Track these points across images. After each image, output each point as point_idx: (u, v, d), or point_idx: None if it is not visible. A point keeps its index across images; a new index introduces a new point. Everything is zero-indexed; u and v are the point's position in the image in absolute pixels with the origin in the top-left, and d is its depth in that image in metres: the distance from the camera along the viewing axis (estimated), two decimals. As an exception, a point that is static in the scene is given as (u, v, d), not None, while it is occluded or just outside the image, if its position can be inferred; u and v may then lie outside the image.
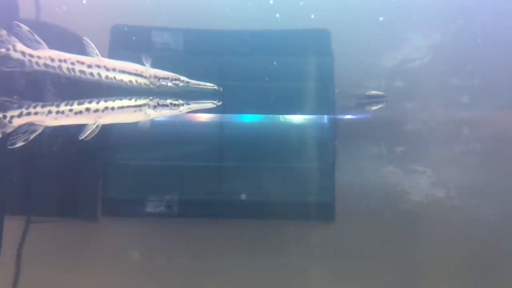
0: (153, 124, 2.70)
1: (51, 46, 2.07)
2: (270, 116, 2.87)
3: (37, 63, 2.02)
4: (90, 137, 2.05)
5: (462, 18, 2.50)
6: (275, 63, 2.63)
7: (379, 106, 2.60)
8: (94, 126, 2.04)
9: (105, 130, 2.10)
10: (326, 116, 2.82)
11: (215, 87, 2.18)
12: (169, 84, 2.15)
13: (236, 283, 2.70)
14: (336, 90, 2.63)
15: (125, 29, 2.52)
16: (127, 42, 2.53)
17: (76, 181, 2.67)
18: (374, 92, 2.59)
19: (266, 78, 2.64)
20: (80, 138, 2.03)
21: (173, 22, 2.55)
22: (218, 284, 2.69)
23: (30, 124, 2.03)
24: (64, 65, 2.04)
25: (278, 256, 2.68)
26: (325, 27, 2.60)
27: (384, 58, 2.60)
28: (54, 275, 2.64)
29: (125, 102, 2.09)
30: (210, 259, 2.69)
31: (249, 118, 2.86)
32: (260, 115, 2.83)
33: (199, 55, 2.65)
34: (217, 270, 2.68)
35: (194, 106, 2.17)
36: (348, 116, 2.68)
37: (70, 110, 2.04)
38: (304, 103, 2.75)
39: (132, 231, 2.71)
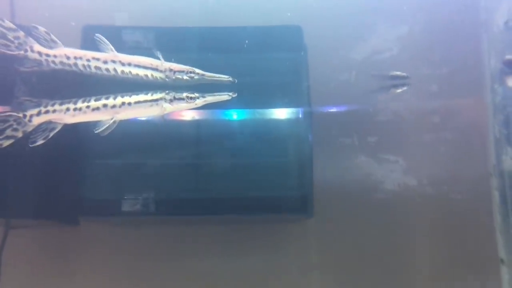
0: (132, 123, 2.81)
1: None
2: (246, 111, 2.92)
3: (53, 62, 2.05)
4: (106, 132, 2.07)
5: (430, 8, 2.54)
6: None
7: (404, 88, 2.57)
8: (111, 122, 2.06)
9: (83, 129, 2.12)
10: (300, 109, 2.87)
11: (230, 78, 2.21)
12: (185, 77, 2.17)
13: (219, 281, 2.71)
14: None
15: (96, 28, 2.51)
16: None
17: (55, 183, 2.68)
18: (397, 72, 2.54)
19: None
20: (96, 132, 2.05)
21: (145, 20, 2.58)
22: (204, 283, 2.71)
23: (49, 122, 2.06)
24: (79, 62, 2.06)
25: (259, 252, 2.71)
26: (296, 22, 2.64)
27: (354, 50, 2.64)
28: (36, 280, 2.65)
29: (142, 97, 2.10)
30: (194, 258, 2.72)
31: (225, 114, 2.90)
32: (235, 110, 2.88)
33: (170, 53, 2.68)
34: (201, 268, 2.70)
35: (209, 98, 2.19)
36: (321, 109, 2.71)
37: (88, 107, 2.06)
38: (277, 98, 2.78)
39: (113, 233, 2.73)
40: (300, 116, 2.86)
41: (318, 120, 2.70)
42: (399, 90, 2.58)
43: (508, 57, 2.26)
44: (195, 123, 2.89)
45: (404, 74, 2.53)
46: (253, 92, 2.88)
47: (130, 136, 2.86)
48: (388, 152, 2.64)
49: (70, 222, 2.65)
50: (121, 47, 2.49)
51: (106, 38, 2.26)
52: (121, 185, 2.71)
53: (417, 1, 2.57)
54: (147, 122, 2.88)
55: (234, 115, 2.91)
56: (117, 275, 2.68)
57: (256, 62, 2.73)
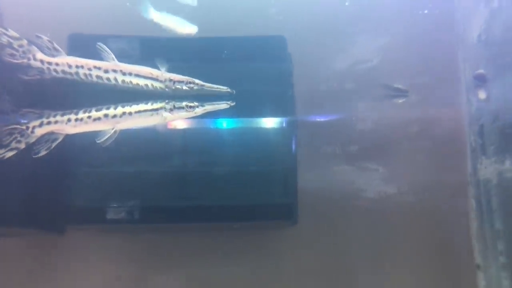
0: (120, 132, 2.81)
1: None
2: (231, 120, 2.96)
3: (55, 70, 2.06)
4: (108, 142, 2.09)
5: (408, 21, 2.62)
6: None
7: (403, 99, 2.67)
8: (112, 132, 2.09)
9: (73, 138, 2.13)
10: (284, 118, 2.92)
11: (229, 89, 2.26)
12: (184, 87, 2.20)
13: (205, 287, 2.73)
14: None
15: (82, 37, 2.51)
16: (84, 50, 2.56)
17: (41, 191, 2.65)
18: (399, 86, 2.66)
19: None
20: (98, 142, 2.08)
21: (130, 30, 2.61)
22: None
23: (51, 133, 2.07)
24: (81, 71, 2.07)
25: (245, 259, 2.74)
26: (280, 33, 2.70)
27: (336, 61, 2.70)
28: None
29: (142, 106, 2.12)
30: (180, 265, 2.73)
31: (210, 123, 2.93)
32: (221, 119, 2.91)
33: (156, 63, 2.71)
34: (187, 275, 2.72)
35: (208, 107, 2.22)
36: (304, 118, 2.76)
37: (89, 117, 2.08)
38: (262, 107, 2.82)
39: (100, 240, 2.74)
40: (284, 125, 2.92)
41: (301, 129, 2.77)
42: (400, 101, 2.68)
43: (478, 71, 2.35)
44: (180, 132, 2.92)
45: (405, 87, 2.66)
46: (238, 101, 2.94)
47: (117, 144, 2.89)
48: (369, 160, 2.71)
49: (56, 230, 2.64)
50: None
51: (92, 47, 2.30)
52: (108, 193, 2.69)
53: (396, 14, 2.65)
54: (134, 132, 2.93)
55: (220, 124, 2.96)
56: (104, 282, 2.68)
57: (241, 71, 2.77)
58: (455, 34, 2.63)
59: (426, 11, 2.57)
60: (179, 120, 2.86)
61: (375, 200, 2.70)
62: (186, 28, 2.45)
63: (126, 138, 2.78)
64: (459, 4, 2.58)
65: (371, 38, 2.66)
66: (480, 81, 2.29)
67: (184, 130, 2.88)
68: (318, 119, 2.75)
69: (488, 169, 2.43)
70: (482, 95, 2.33)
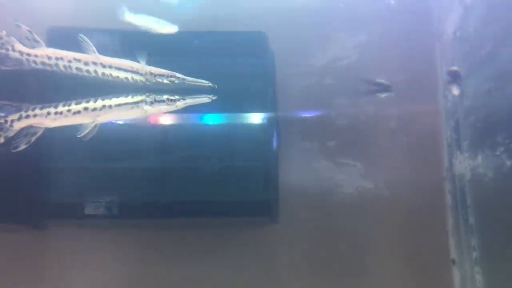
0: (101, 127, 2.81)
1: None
2: (212, 116, 2.97)
3: (34, 61, 2.03)
4: (89, 136, 2.06)
5: (386, 18, 2.65)
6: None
7: (387, 94, 2.67)
8: (93, 125, 2.06)
9: (52, 133, 2.11)
10: (264, 114, 2.93)
11: (210, 84, 2.23)
12: (165, 81, 2.18)
13: (184, 284, 2.72)
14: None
15: (61, 30, 2.50)
16: (63, 44, 2.57)
17: (20, 187, 2.60)
18: (382, 81, 2.66)
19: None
20: (78, 137, 2.05)
21: (111, 23, 2.62)
22: (169, 286, 2.71)
23: (30, 126, 2.04)
24: (61, 63, 2.05)
25: (225, 256, 2.74)
26: (261, 29, 2.72)
27: (315, 57, 2.72)
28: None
29: (122, 99, 2.09)
30: (159, 261, 2.72)
31: (190, 119, 2.94)
32: (201, 115, 2.92)
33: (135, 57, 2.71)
34: (167, 271, 2.71)
35: (189, 101, 2.18)
36: (282, 114, 2.78)
37: (69, 111, 2.05)
38: (242, 103, 2.83)
39: (79, 236, 2.72)
40: (265, 120, 2.94)
41: (280, 125, 2.78)
42: (383, 95, 2.68)
43: (451, 68, 2.38)
44: (161, 128, 2.92)
45: (388, 82, 2.65)
46: (219, 97, 2.94)
47: (97, 140, 2.89)
48: (347, 156, 2.73)
49: (36, 225, 2.64)
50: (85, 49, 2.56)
51: (71, 40, 2.30)
52: (90, 188, 2.69)
53: (373, 11, 2.67)
54: (114, 127, 2.93)
55: (200, 119, 2.97)
56: (84, 278, 2.68)
57: (221, 67, 2.79)
58: (432, 30, 2.65)
59: (392, 2, 2.60)
60: (159, 115, 2.89)
61: (354, 196, 2.71)
62: (165, 28, 2.45)
63: (108, 133, 2.82)
64: (436, 1, 2.61)
65: (349, 35, 2.68)
66: (453, 77, 2.32)
67: (164, 126, 2.89)
68: (296, 115, 2.77)
69: (462, 164, 2.45)
70: (455, 91, 2.36)
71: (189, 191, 2.77)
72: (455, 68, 2.31)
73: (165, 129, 2.91)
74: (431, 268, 2.64)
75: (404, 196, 2.68)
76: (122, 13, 2.37)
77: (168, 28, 2.45)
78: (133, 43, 2.69)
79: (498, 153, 2.02)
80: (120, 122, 2.83)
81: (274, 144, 2.83)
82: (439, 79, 2.63)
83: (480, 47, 2.13)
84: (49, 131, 2.09)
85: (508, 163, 1.91)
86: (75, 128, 2.71)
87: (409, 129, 2.71)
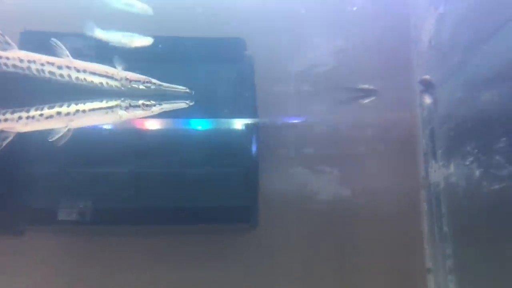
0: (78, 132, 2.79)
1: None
2: (191, 121, 2.96)
3: (6, 64, 2.00)
4: (62, 141, 2.03)
5: (363, 25, 2.65)
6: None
7: (371, 99, 2.66)
8: (66, 130, 2.03)
9: (29, 138, 2.10)
10: (243, 120, 2.93)
11: (187, 90, 2.22)
12: (141, 86, 2.16)
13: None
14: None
15: (34, 34, 2.45)
16: (37, 48, 2.54)
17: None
18: (365, 86, 2.65)
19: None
20: (50, 141, 2.02)
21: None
22: None
23: (1, 131, 2.00)
24: (33, 66, 2.01)
25: (205, 261, 2.71)
26: (239, 35, 2.71)
27: (292, 64, 2.72)
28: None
29: (97, 104, 2.06)
30: (138, 267, 2.69)
31: (169, 124, 2.93)
32: (179, 120, 2.91)
33: (110, 61, 2.70)
34: (146, 277, 2.68)
35: (166, 106, 2.17)
36: (260, 120, 2.77)
37: (41, 115, 2.01)
38: (221, 108, 2.82)
39: (54, 241, 2.70)
40: (245, 126, 2.93)
41: (259, 131, 2.77)
42: (366, 101, 2.68)
43: (424, 76, 2.38)
44: (140, 133, 2.89)
45: (372, 87, 2.65)
46: (198, 103, 2.93)
47: (76, 145, 2.87)
48: (325, 163, 2.72)
49: (13, 231, 2.59)
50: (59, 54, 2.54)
51: (44, 44, 2.28)
52: (63, 194, 2.63)
53: (350, 19, 2.67)
54: (89, 131, 2.91)
55: (179, 125, 2.96)
56: (58, 283, 2.64)
57: (200, 73, 2.78)
58: (409, 38, 2.66)
59: (354, 8, 2.61)
60: (138, 120, 2.87)
61: (330, 203, 2.70)
62: (138, 41, 2.42)
63: (84, 138, 2.80)
64: (413, 9, 2.61)
65: (327, 42, 2.69)
66: (425, 86, 2.33)
67: (144, 131, 2.87)
68: (274, 121, 2.76)
69: (437, 173, 2.45)
70: (428, 100, 2.36)
71: (168, 197, 2.74)
72: (427, 76, 2.31)
73: (145, 134, 2.90)
74: (406, 277, 2.64)
75: (380, 203, 2.68)
76: (90, 29, 2.32)
77: (141, 41, 2.41)
78: (110, 48, 2.70)
79: (467, 162, 2.02)
80: (97, 127, 2.84)
81: (254, 150, 2.83)
82: (415, 87, 2.63)
83: (452, 56, 2.14)
84: (23, 135, 2.08)
85: (477, 173, 1.91)
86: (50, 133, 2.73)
87: (386, 137, 2.71)
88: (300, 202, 2.72)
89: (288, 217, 2.73)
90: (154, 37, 2.61)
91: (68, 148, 2.68)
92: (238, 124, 2.89)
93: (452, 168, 2.24)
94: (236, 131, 2.89)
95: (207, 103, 2.81)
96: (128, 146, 2.83)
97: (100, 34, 2.34)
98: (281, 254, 2.73)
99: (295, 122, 2.73)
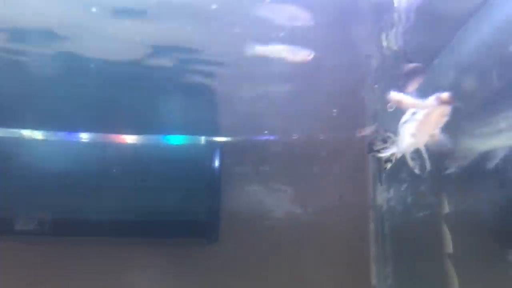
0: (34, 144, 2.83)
1: None
2: (153, 137, 3.02)
3: None
4: None
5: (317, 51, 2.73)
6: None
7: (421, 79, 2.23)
8: None
9: None
10: (204, 138, 3.00)
11: None
12: None
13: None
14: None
15: None
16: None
17: None
18: (411, 65, 2.16)
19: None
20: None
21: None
22: None
23: None
24: None
25: (163, 275, 2.77)
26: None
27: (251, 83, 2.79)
28: None
29: None
30: (98, 278, 2.74)
31: (132, 140, 2.98)
32: (143, 136, 2.97)
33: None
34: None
35: None
36: (225, 138, 2.86)
37: None
38: (184, 126, 2.90)
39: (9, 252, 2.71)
40: (205, 144, 3.00)
41: (221, 149, 2.86)
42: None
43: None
44: (101, 146, 2.94)
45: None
46: (162, 120, 2.99)
47: (37, 157, 2.90)
48: (279, 181, 2.83)
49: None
50: None
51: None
52: (21, 205, 2.69)
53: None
54: (50, 143, 2.94)
55: (143, 140, 3.01)
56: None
57: (166, 92, 2.84)
58: (360, 66, 2.75)
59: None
60: (102, 135, 2.92)
61: (283, 220, 2.80)
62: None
63: (42, 150, 2.82)
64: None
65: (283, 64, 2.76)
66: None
67: (107, 145, 2.94)
68: (232, 140, 2.85)
69: (381, 195, 2.57)
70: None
71: (130, 211, 2.79)
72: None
73: (106, 148, 2.94)
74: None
75: (331, 222, 2.78)
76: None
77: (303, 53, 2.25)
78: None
79: (403, 188, 2.14)
80: (54, 139, 2.87)
81: (214, 167, 2.90)
82: (366, 112, 2.73)
83: (393, 85, 2.23)
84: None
85: (409, 200, 2.03)
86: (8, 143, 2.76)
87: (339, 157, 2.81)
88: (255, 219, 2.81)
89: (244, 233, 2.81)
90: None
91: (30, 160, 2.75)
92: (199, 141, 2.98)
93: (392, 192, 2.36)
94: (198, 148, 2.97)
95: (171, 121, 2.89)
96: (90, 160, 2.89)
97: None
98: (236, 268, 2.81)
99: (253, 140, 2.83)
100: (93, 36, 2.16)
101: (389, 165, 2.36)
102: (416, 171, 1.64)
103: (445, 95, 1.31)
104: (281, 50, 2.17)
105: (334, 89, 2.74)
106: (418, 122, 1.40)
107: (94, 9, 1.93)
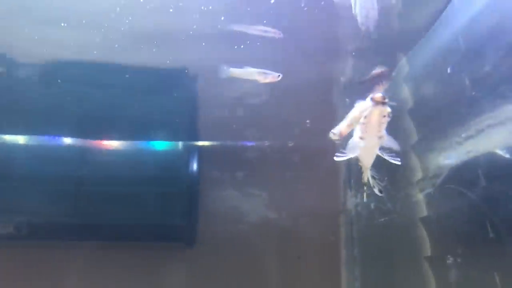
0: (14, 147, 2.86)
1: None
2: (134, 143, 3.06)
3: None
4: None
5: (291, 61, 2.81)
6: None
7: (387, 83, 2.49)
8: None
9: None
10: (182, 143, 3.05)
11: None
12: None
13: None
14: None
15: None
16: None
17: None
18: (377, 71, 2.47)
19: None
20: None
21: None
22: None
23: None
24: None
25: (143, 276, 2.82)
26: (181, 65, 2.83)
27: (228, 91, 2.86)
28: None
29: None
30: (74, 282, 2.77)
31: (111, 145, 3.01)
32: (122, 141, 3.01)
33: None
34: None
35: None
36: (195, 143, 2.92)
37: None
38: (162, 132, 2.96)
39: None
40: (182, 149, 3.05)
41: (199, 154, 2.91)
42: (383, 87, 2.43)
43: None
44: (81, 150, 2.95)
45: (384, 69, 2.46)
46: (141, 126, 3.04)
47: (12, 160, 2.92)
48: (254, 186, 2.89)
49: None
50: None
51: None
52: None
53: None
54: (29, 147, 2.96)
55: (122, 145, 3.05)
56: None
57: (145, 99, 2.90)
58: (331, 74, 2.84)
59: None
60: (81, 139, 2.96)
61: (258, 225, 2.87)
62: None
63: (26, 153, 2.85)
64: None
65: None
66: None
67: (86, 149, 2.97)
68: (208, 144, 2.91)
69: (350, 200, 2.65)
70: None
71: (108, 215, 2.83)
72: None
73: (85, 152, 2.98)
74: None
75: (304, 226, 2.85)
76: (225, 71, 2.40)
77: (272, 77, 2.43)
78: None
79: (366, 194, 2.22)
80: (33, 143, 2.89)
81: (192, 171, 2.95)
82: (338, 118, 2.80)
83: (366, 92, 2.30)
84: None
85: (372, 205, 2.11)
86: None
87: (312, 163, 2.88)
88: (231, 223, 2.87)
89: (221, 237, 2.86)
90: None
91: (8, 164, 2.77)
92: (178, 146, 3.03)
93: (359, 198, 2.43)
94: (175, 153, 3.02)
95: (148, 126, 2.95)
96: (69, 163, 2.93)
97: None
98: (213, 271, 2.86)
99: (229, 146, 2.89)
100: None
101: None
102: (376, 191, 1.72)
103: (378, 95, 1.40)
104: (253, 72, 2.36)
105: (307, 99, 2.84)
106: (362, 124, 1.49)
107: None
